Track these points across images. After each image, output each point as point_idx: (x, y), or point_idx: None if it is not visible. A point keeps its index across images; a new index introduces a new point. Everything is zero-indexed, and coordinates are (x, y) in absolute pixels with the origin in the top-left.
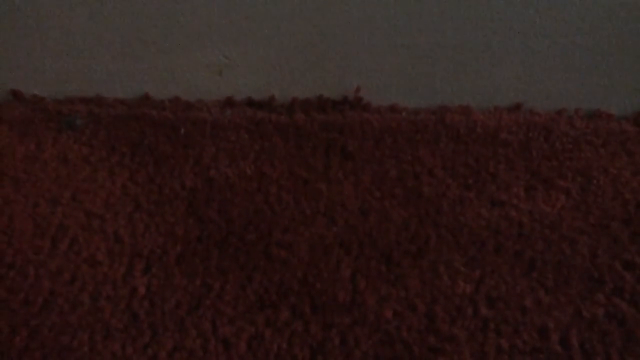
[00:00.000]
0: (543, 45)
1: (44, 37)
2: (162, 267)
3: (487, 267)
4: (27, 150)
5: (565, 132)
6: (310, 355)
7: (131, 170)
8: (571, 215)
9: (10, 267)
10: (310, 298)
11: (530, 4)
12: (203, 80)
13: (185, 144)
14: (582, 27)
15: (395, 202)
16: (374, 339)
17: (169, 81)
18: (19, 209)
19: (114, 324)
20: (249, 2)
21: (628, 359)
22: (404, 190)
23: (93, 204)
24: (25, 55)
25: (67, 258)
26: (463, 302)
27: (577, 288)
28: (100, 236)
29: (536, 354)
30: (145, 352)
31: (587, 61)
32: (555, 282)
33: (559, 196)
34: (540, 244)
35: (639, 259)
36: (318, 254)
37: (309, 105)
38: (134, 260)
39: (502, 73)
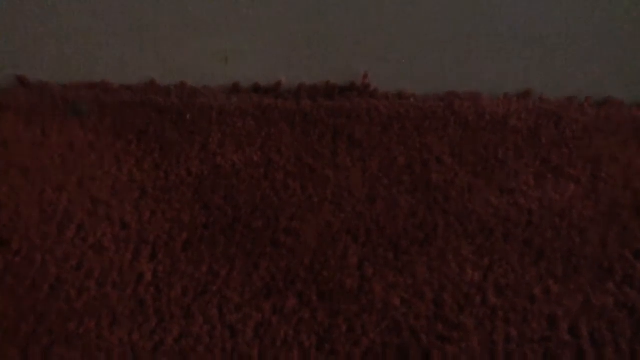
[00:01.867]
0: (553, 31)
1: (50, 23)
2: (168, 254)
3: (496, 255)
4: (33, 137)
5: (575, 120)
6: (317, 343)
7: (137, 157)
8: (581, 204)
9: (16, 253)
10: (317, 285)
11: None
12: (209, 66)
13: (191, 131)
14: (592, 14)
15: (403, 189)
16: (382, 326)
17: (175, 67)
18: (26, 196)
19: (121, 310)
20: None
21: (637, 347)
22: (412, 177)
23: (99, 191)
24: (31, 41)
25: (74, 244)
26: (471, 290)
27: (586, 277)
28: (106, 223)
29: (545, 342)
30: (152, 338)
31: (597, 48)
32: (564, 270)
33: (569, 184)
34: (550, 232)
35: None
36: (325, 241)
37: (316, 91)
38: (140, 247)
39: (511, 60)
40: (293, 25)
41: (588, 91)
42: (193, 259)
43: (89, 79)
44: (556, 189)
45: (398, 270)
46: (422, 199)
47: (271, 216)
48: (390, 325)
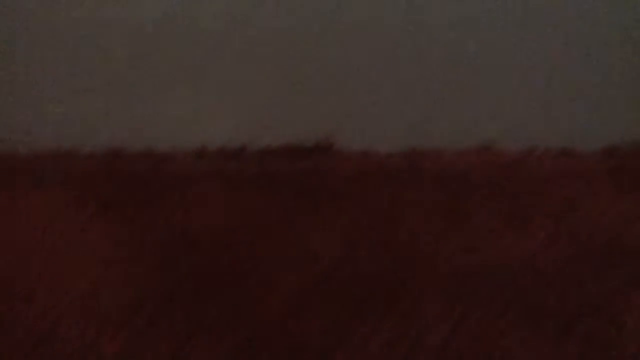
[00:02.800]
0: (511, 84)
1: (12, 90)
2: (132, 329)
3: (463, 312)
4: None
5: (535, 172)
6: None
7: (102, 228)
8: (543, 259)
9: None
10: (286, 351)
11: (497, 43)
12: (173, 130)
13: (157, 198)
14: (549, 65)
15: (368, 250)
16: None
17: (138, 132)
18: None
19: None
20: (218, 52)
21: None
22: (378, 237)
23: (62, 265)
24: None
25: (34, 323)
26: (439, 350)
27: (548, 334)
28: (68, 300)
29: None
30: None
31: (554, 98)
32: (529, 327)
33: (531, 240)
34: (512, 289)
35: (606, 303)
36: (292, 306)
37: (280, 154)
38: (103, 324)
39: (471, 113)
40: (257, 87)
41: (547, 142)
42: (158, 334)
43: (52, 146)
44: (518, 244)
45: (363, 336)
46: (388, 259)
47: (237, 283)
48: None
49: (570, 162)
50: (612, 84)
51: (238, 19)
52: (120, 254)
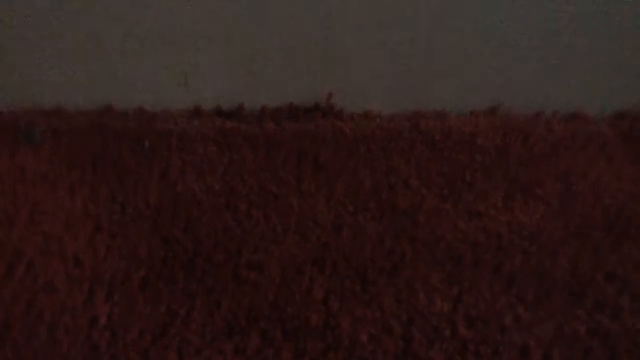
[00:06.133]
0: (519, 46)
1: (0, 47)
2: (124, 293)
3: (465, 283)
4: None
5: (542, 136)
6: None
7: (92, 187)
8: (551, 225)
9: None
10: (282, 322)
11: (504, 6)
12: (168, 89)
13: (150, 158)
14: (558, 29)
15: (370, 215)
16: None
17: (132, 91)
18: None
19: (73, 357)
20: (214, 6)
21: None
22: (378, 202)
23: (51, 225)
24: None
25: (23, 285)
26: (441, 322)
27: (558, 303)
28: (58, 260)
29: None
30: None
31: (563, 62)
32: (535, 297)
33: (538, 205)
34: (520, 256)
35: (621, 270)
36: (289, 274)
37: (280, 113)
38: (94, 286)
39: (477, 75)
40: (255, 44)
41: (555, 106)
42: (151, 298)
43: (42, 104)
44: (525, 210)
45: (365, 303)
46: (389, 225)
47: (233, 249)
48: None
49: (580, 127)
50: (625, 47)
51: None
52: (111, 216)
